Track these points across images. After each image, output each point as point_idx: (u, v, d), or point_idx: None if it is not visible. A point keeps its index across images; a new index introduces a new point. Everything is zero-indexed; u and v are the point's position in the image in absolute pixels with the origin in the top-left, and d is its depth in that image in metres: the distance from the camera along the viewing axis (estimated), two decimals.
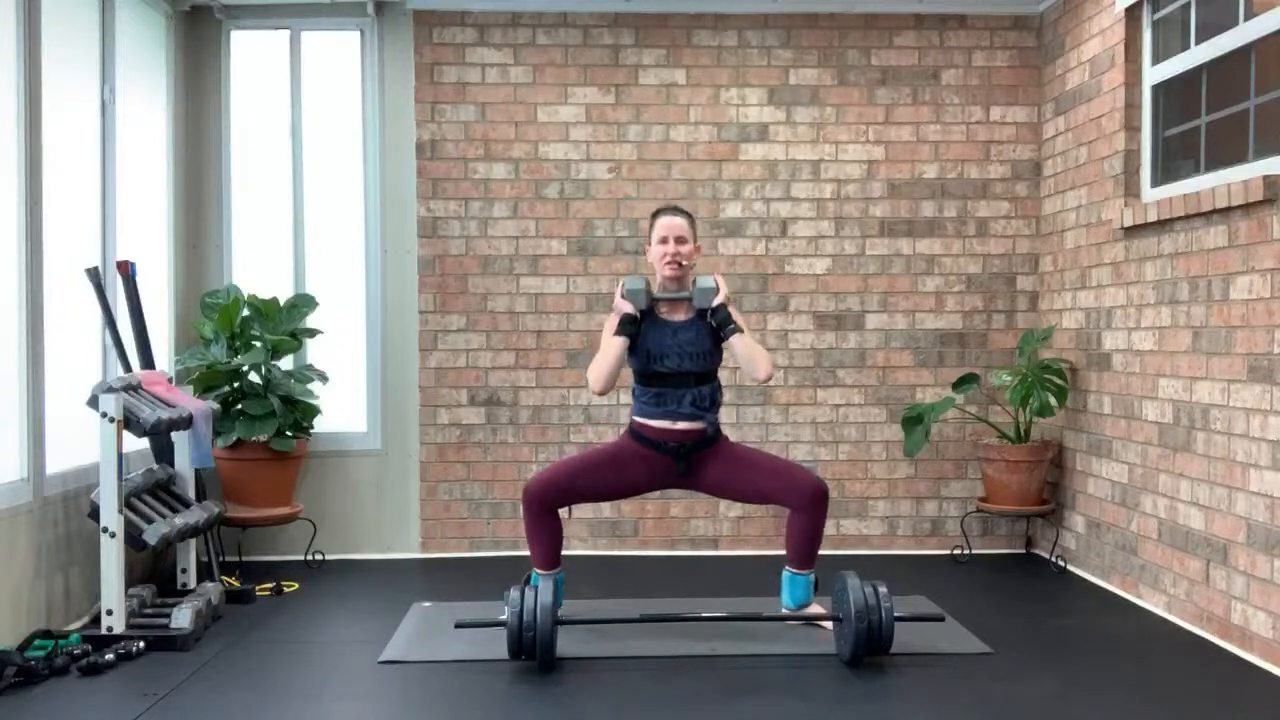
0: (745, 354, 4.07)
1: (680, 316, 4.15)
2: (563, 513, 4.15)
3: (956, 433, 5.73)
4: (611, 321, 4.12)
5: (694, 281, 4.13)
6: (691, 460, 4.11)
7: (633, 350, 4.11)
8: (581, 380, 5.67)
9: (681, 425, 4.08)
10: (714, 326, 4.09)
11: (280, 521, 5.33)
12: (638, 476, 4.17)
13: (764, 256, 5.68)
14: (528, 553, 4.18)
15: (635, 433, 4.15)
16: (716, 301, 4.06)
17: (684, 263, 4.13)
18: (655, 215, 4.22)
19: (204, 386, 5.17)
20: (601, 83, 5.69)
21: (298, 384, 5.34)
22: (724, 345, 4.12)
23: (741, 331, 4.07)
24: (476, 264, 5.67)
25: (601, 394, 4.09)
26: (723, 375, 4.25)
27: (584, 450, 4.26)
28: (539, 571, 4.14)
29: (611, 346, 4.07)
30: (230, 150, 5.68)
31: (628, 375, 4.20)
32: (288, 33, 5.69)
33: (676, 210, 4.23)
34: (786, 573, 4.18)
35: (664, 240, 4.13)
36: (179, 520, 4.39)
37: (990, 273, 5.75)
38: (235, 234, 5.69)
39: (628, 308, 4.08)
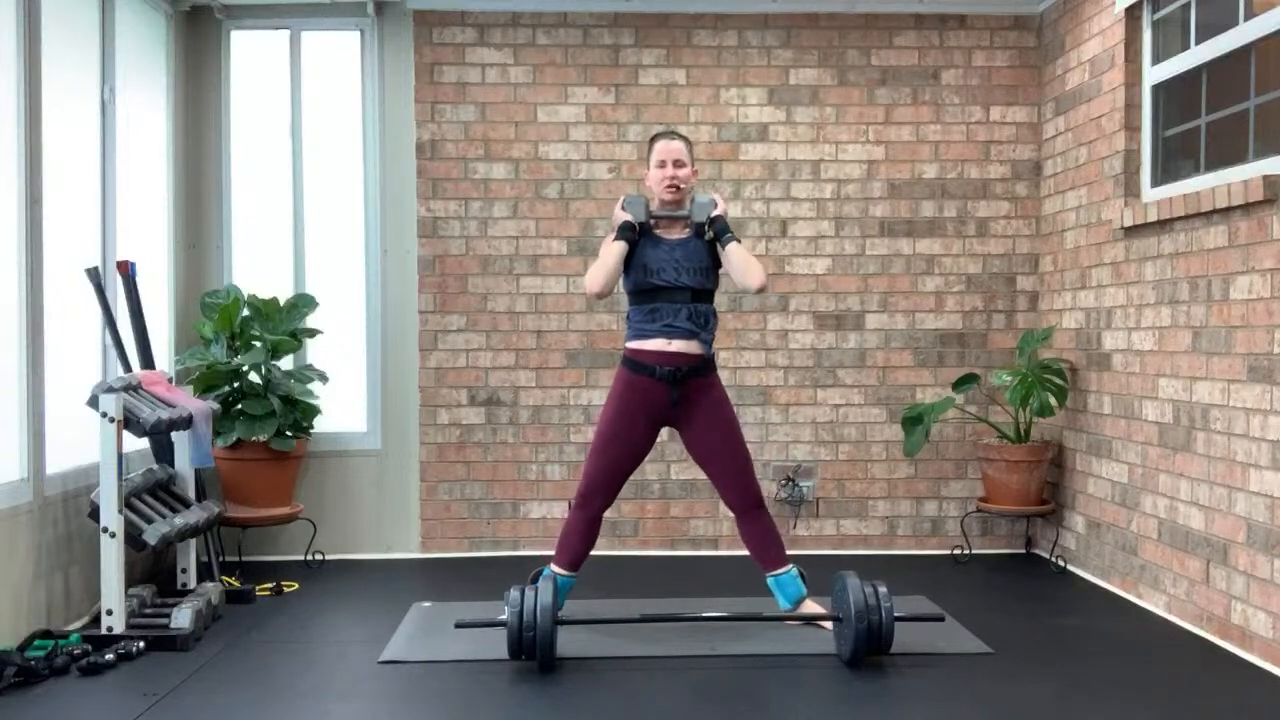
0: (741, 262, 4.10)
1: (677, 235, 4.19)
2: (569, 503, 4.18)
3: (956, 433, 5.73)
4: (611, 237, 4.16)
5: (692, 200, 4.17)
6: (685, 389, 4.10)
7: (629, 268, 4.13)
8: (582, 380, 5.67)
9: (676, 345, 4.07)
10: (711, 241, 4.13)
11: (280, 521, 5.33)
12: (640, 429, 4.16)
13: (764, 256, 5.68)
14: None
15: (629, 361, 4.15)
16: (715, 214, 4.12)
17: (682, 186, 4.17)
18: (653, 140, 4.26)
19: (204, 386, 5.17)
20: (601, 83, 5.69)
21: (298, 384, 5.34)
22: (721, 254, 4.13)
23: (738, 241, 4.12)
24: (476, 264, 5.67)
25: (599, 296, 4.12)
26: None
27: (595, 441, 4.23)
28: (558, 570, 4.15)
29: (610, 251, 4.10)
30: (230, 150, 5.68)
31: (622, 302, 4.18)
32: (288, 33, 5.69)
33: (674, 134, 4.27)
34: (769, 579, 4.20)
35: (662, 164, 4.16)
36: (179, 520, 4.39)
37: (990, 273, 5.76)
38: (235, 234, 5.69)
39: (627, 217, 4.12)
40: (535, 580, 3.95)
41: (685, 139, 4.25)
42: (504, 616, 3.74)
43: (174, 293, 5.48)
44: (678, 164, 4.15)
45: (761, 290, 4.17)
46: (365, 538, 5.67)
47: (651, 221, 4.16)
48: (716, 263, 4.16)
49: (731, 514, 4.29)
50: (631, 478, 4.32)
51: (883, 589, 3.78)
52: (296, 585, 5.01)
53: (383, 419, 5.69)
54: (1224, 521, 4.09)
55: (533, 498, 5.67)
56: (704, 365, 4.13)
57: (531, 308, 5.69)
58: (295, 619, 4.50)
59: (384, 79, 5.67)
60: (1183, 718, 3.36)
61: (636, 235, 4.12)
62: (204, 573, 4.82)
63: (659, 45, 5.69)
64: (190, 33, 5.63)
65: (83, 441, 4.33)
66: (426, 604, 4.62)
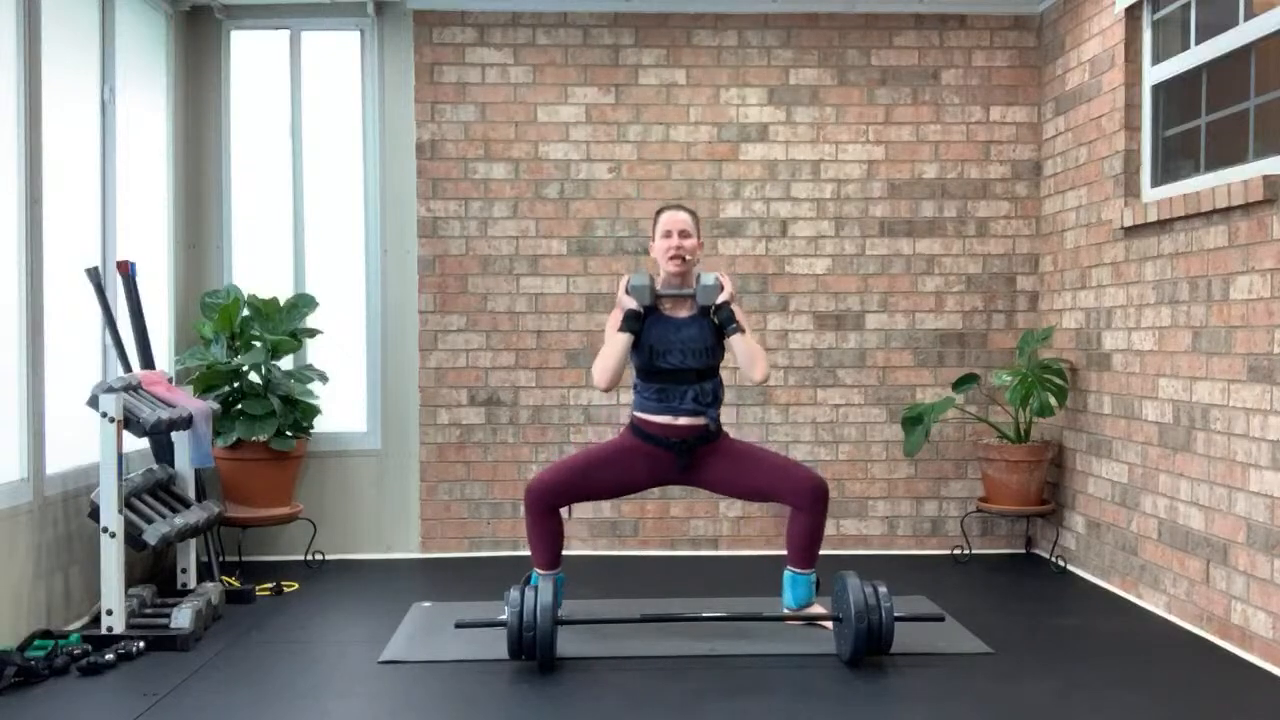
0: (745, 355, 4.11)
1: (683, 313, 4.17)
2: (563, 512, 4.16)
3: (956, 433, 5.73)
4: (615, 318, 4.15)
5: (697, 278, 4.15)
6: (694, 456, 4.12)
7: (636, 346, 4.13)
8: (581, 380, 5.67)
9: (683, 420, 4.10)
10: (717, 323, 4.12)
11: (280, 521, 5.33)
12: (639, 474, 4.18)
13: (764, 256, 5.68)
14: (528, 553, 4.19)
15: (637, 429, 4.16)
16: (720, 299, 4.09)
17: (688, 257, 4.16)
18: (659, 212, 4.27)
19: (204, 386, 5.17)
20: (601, 83, 5.69)
21: (298, 384, 5.34)
22: (725, 343, 4.15)
23: (744, 332, 4.10)
24: (476, 264, 5.67)
25: (606, 390, 4.13)
26: (723, 374, 4.26)
27: (585, 449, 4.26)
28: (539, 571, 4.14)
29: (616, 343, 4.09)
30: (230, 150, 5.68)
31: (628, 375, 4.21)
32: (288, 33, 5.69)
33: (680, 206, 4.29)
34: (788, 573, 4.19)
35: (668, 234, 4.16)
36: (179, 520, 4.39)
37: (990, 273, 5.76)
38: (235, 234, 5.69)
39: (632, 304, 4.10)
40: (527, 583, 3.95)
41: (692, 211, 4.26)
42: (504, 616, 3.74)
43: (174, 293, 5.48)
44: (683, 234, 4.15)
45: (764, 381, 4.21)
46: (365, 538, 5.67)
47: (658, 300, 4.16)
48: (722, 336, 4.15)
49: (790, 507, 4.14)
50: None
51: (883, 589, 3.77)
52: (296, 585, 5.01)
53: (383, 419, 5.69)
54: (1224, 521, 4.09)
55: None
56: (711, 435, 4.14)
57: (531, 308, 5.69)
58: (295, 619, 4.50)
59: (384, 79, 5.67)
60: (1183, 718, 3.36)
61: (641, 325, 4.11)
62: (204, 573, 4.82)
63: (659, 45, 5.69)
64: (190, 33, 5.63)
65: (83, 441, 4.33)
66: (426, 604, 4.62)
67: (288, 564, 5.41)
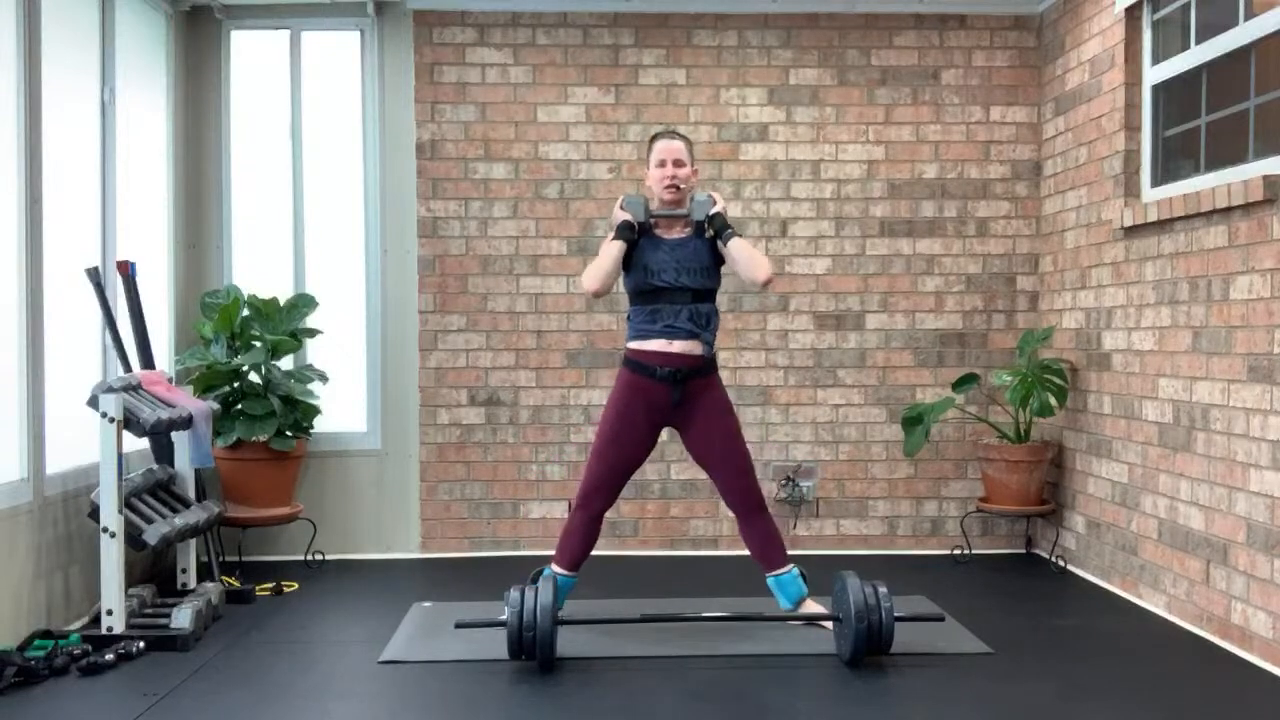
0: (745, 256, 4.07)
1: (677, 234, 4.17)
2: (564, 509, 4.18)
3: (956, 433, 5.73)
4: (610, 234, 4.15)
5: (690, 199, 4.16)
6: (686, 390, 4.08)
7: (630, 269, 4.12)
8: (582, 380, 5.68)
9: (678, 346, 4.06)
10: (711, 239, 4.12)
11: (280, 521, 5.33)
12: (643, 427, 4.13)
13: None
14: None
15: (630, 362, 4.13)
16: (714, 211, 4.10)
17: (682, 186, 4.15)
18: (653, 139, 4.25)
19: (204, 386, 5.17)
20: (601, 83, 5.69)
21: (298, 384, 5.34)
22: (723, 251, 4.11)
23: (739, 236, 4.11)
24: (476, 264, 5.67)
25: (596, 295, 4.10)
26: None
27: (595, 444, 4.22)
28: (558, 570, 4.15)
29: (609, 250, 4.09)
30: (230, 150, 5.68)
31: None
32: (288, 33, 5.69)
33: (674, 134, 4.26)
34: (769, 579, 4.20)
35: (662, 164, 4.15)
36: (179, 520, 4.39)
37: (990, 273, 5.76)
38: (235, 234, 5.69)
39: (626, 217, 4.11)
40: (535, 580, 3.94)
41: (685, 139, 4.24)
42: (504, 616, 3.74)
43: (174, 293, 5.48)
44: (677, 163, 4.14)
45: (769, 283, 4.12)
46: (365, 538, 5.67)
47: (651, 221, 4.15)
48: (718, 261, 4.15)
49: (732, 515, 4.29)
50: (632, 478, 4.33)
51: (883, 589, 3.78)
52: (296, 585, 5.01)
53: (383, 419, 5.69)
54: (1224, 521, 4.09)
55: (533, 498, 5.68)
56: (705, 366, 4.12)
57: (531, 308, 5.69)
58: (295, 619, 4.50)
59: (384, 79, 5.67)
60: (1183, 718, 3.36)
61: (635, 235, 4.10)
62: (204, 573, 4.82)
63: (659, 45, 5.69)
64: (190, 33, 5.63)
65: (83, 441, 4.33)
66: (426, 604, 4.62)
67: (288, 564, 5.41)
